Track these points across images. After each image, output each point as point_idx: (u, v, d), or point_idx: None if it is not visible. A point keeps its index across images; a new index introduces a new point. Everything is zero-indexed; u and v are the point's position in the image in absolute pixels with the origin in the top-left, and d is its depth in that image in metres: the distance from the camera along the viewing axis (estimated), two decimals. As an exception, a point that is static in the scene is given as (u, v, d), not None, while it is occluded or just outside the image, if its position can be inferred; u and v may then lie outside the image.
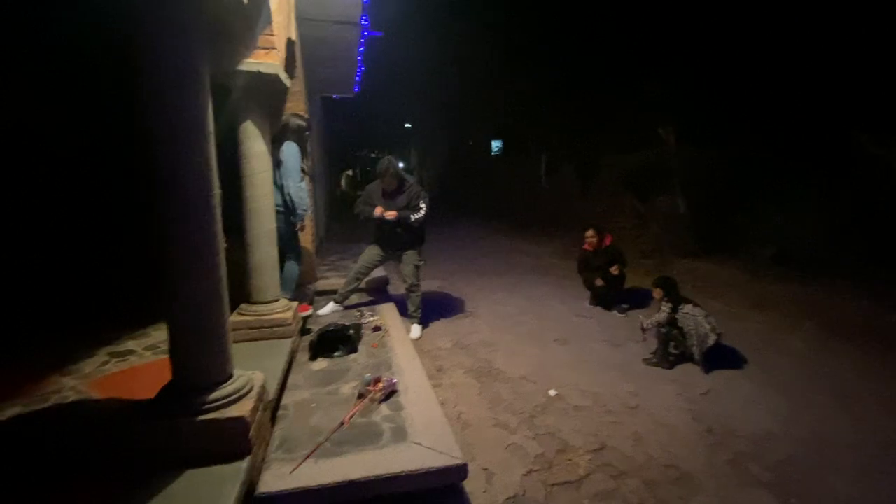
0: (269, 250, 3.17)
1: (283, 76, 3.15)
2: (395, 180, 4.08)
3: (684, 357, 3.74)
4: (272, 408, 2.30)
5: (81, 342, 3.12)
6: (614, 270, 5.11)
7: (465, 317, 5.02)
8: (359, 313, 4.12)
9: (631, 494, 2.30)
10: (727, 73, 8.72)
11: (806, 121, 7.54)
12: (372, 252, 4.27)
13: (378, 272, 4.86)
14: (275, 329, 3.09)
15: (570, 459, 2.56)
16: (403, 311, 4.39)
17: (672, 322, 3.74)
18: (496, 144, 17.71)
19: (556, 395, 3.27)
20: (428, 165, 23.94)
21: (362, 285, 4.56)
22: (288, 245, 3.64)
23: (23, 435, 2.10)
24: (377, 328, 3.74)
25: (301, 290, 4.24)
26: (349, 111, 16.50)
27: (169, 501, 1.57)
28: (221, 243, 1.86)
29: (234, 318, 3.01)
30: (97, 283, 3.76)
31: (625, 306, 5.17)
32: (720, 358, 3.71)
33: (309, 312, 3.88)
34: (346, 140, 21.86)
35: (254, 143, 3.05)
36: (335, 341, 3.23)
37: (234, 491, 1.61)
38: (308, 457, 1.98)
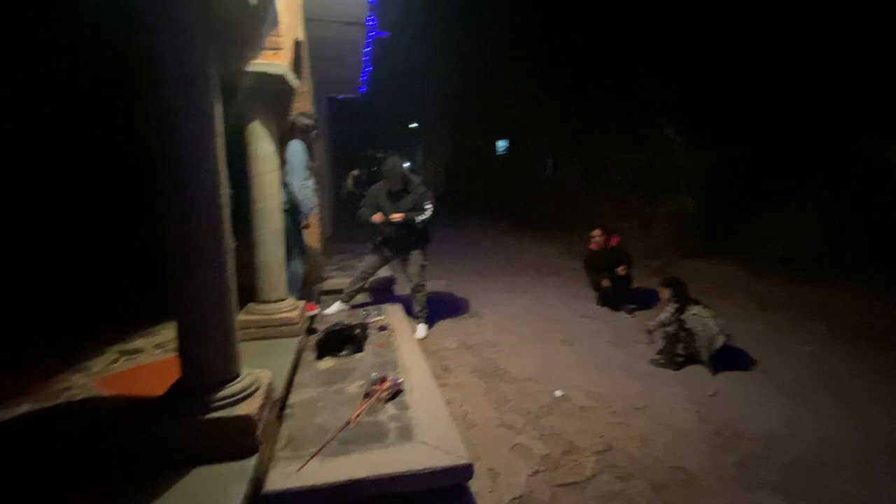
0: (276, 250, 3.18)
1: (291, 77, 3.16)
2: (400, 181, 4.09)
3: (692, 358, 3.72)
4: (279, 406, 2.31)
5: (91, 340, 3.16)
6: (621, 271, 5.09)
7: (471, 317, 5.02)
8: (365, 313, 4.13)
9: (637, 496, 2.29)
10: (731, 72, 8.65)
11: (809, 121, 7.47)
12: (378, 252, 4.28)
13: (384, 272, 4.87)
14: (282, 328, 3.11)
15: (576, 460, 2.56)
16: (409, 311, 4.40)
17: (680, 323, 3.72)
18: (502, 144, 17.67)
19: (562, 395, 3.26)
20: (433, 165, 23.94)
21: (367, 285, 4.57)
22: (292, 244, 3.66)
23: (32, 433, 2.12)
24: (383, 328, 3.75)
25: (308, 290, 4.25)
26: (355, 111, 16.53)
27: (177, 499, 1.59)
28: (229, 243, 1.87)
29: (241, 317, 3.03)
30: (98, 283, 3.79)
31: (631, 307, 5.15)
32: (727, 359, 3.69)
33: (315, 312, 3.90)
34: (351, 140, 21.92)
35: (261, 143, 3.07)
36: (341, 340, 3.24)
37: (241, 489, 1.62)
38: (315, 455, 1.99)
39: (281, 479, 1.85)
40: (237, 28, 2.23)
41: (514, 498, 2.26)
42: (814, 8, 7.66)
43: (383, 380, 2.60)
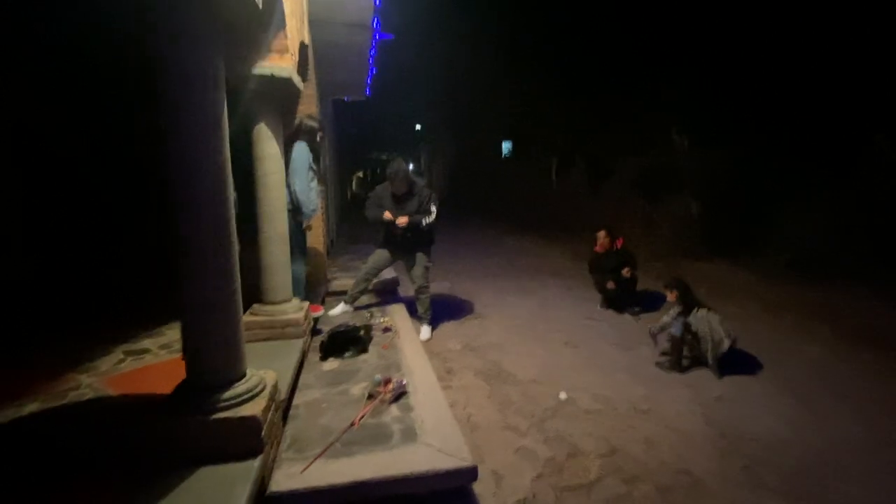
0: (281, 251, 3.20)
1: (296, 79, 3.18)
2: (405, 184, 4.09)
3: (697, 361, 3.70)
4: (283, 407, 2.32)
5: (97, 341, 3.18)
6: (626, 273, 5.07)
7: (475, 318, 5.01)
8: (369, 314, 4.14)
9: (643, 499, 2.28)
10: (736, 72, 8.61)
11: (818, 122, 7.41)
12: (381, 253, 4.29)
13: (388, 273, 4.88)
14: (286, 329, 3.12)
15: (580, 463, 2.54)
16: (413, 313, 4.40)
17: (686, 326, 3.69)
18: (506, 146, 17.68)
19: (567, 398, 3.25)
20: (437, 167, 23.98)
21: (372, 286, 4.58)
22: (294, 245, 3.67)
23: (37, 432, 2.14)
24: (387, 329, 3.76)
25: (312, 291, 4.27)
26: (360, 113, 16.62)
27: (182, 499, 1.59)
28: (235, 244, 1.88)
29: (246, 317, 3.04)
30: (98, 283, 3.81)
31: (636, 309, 5.13)
32: (734, 363, 3.66)
33: (320, 313, 3.91)
34: (356, 142, 22.01)
35: (267, 145, 3.09)
36: (346, 342, 3.25)
37: (245, 490, 1.62)
38: (319, 457, 1.99)
39: (285, 480, 1.85)
40: (244, 31, 2.25)
41: (518, 501, 2.25)
42: (819, 6, 7.62)
43: (387, 381, 2.60)
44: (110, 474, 1.76)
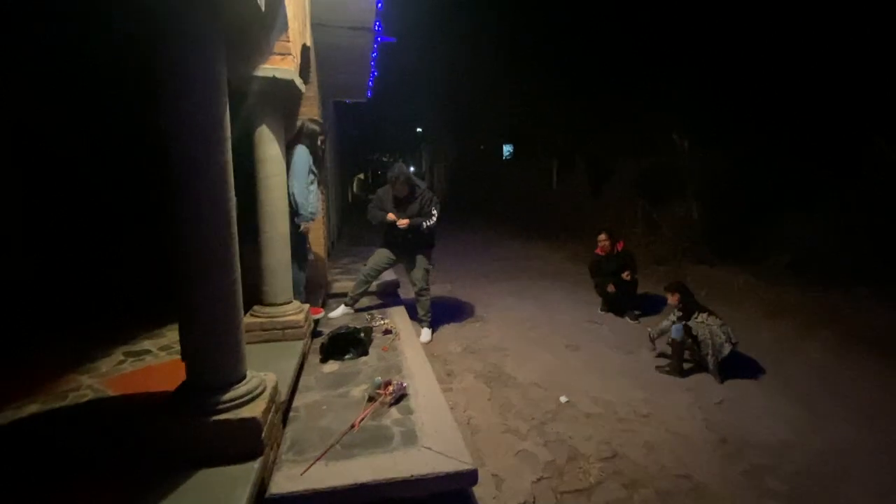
0: (282, 253, 3.20)
1: (298, 81, 3.19)
2: (406, 187, 4.10)
3: (699, 366, 3.69)
4: (284, 409, 2.32)
5: (97, 341, 3.18)
6: (626, 276, 5.07)
7: (476, 321, 5.01)
8: (369, 316, 4.14)
9: (643, 504, 2.27)
10: (737, 74, 8.63)
11: (818, 122, 7.42)
12: (381, 255, 4.29)
13: (388, 275, 4.88)
14: (287, 331, 3.12)
15: (580, 467, 2.54)
16: (413, 315, 4.40)
17: (687, 330, 3.69)
18: (507, 149, 17.71)
19: (567, 401, 3.24)
20: (438, 168, 24.01)
21: (373, 288, 4.58)
22: (294, 248, 3.67)
23: (37, 433, 2.13)
24: (388, 331, 3.75)
25: (312, 293, 4.26)
26: (361, 115, 16.64)
27: (181, 500, 1.59)
28: (236, 245, 1.88)
29: (246, 319, 3.04)
30: (98, 283, 3.81)
31: (636, 312, 5.12)
32: (735, 367, 3.65)
33: (320, 315, 3.91)
34: (357, 144, 22.05)
35: (268, 147, 3.09)
36: (346, 344, 3.24)
37: (245, 492, 1.62)
38: (319, 459, 1.99)
39: (285, 482, 1.85)
40: (247, 33, 2.26)
41: (519, 504, 2.25)
42: (819, 7, 7.64)
43: (388, 384, 2.60)
44: (110, 475, 1.75)
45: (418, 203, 4.11)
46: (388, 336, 3.67)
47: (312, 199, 3.62)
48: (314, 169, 3.66)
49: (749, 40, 8.58)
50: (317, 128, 3.74)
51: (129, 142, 3.91)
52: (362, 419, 2.33)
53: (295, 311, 3.23)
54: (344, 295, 4.44)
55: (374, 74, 6.64)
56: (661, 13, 10.11)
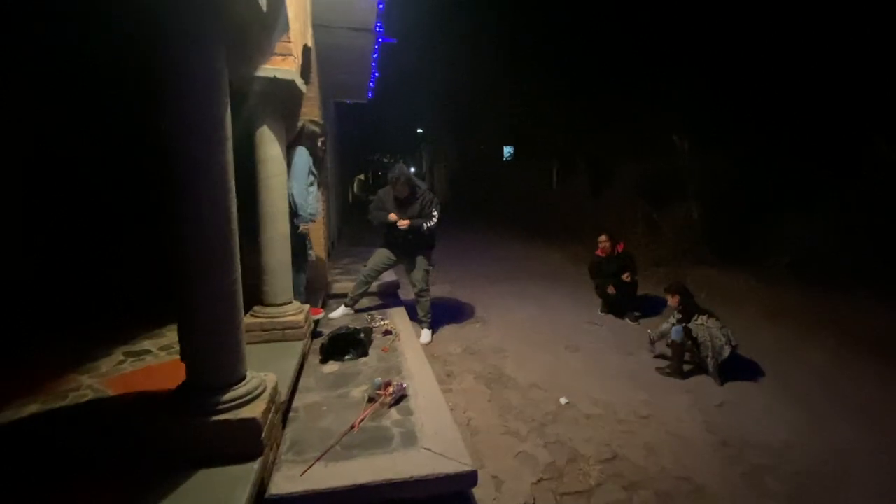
0: (282, 253, 3.20)
1: (299, 82, 3.19)
2: (407, 188, 4.10)
3: (699, 368, 3.68)
4: (283, 410, 2.32)
5: (97, 341, 3.18)
6: (626, 277, 5.07)
7: (476, 322, 5.01)
8: (369, 317, 4.14)
9: (643, 506, 2.27)
10: (738, 74, 8.63)
11: (819, 123, 7.42)
12: (381, 255, 4.29)
13: (389, 276, 4.88)
14: (287, 331, 3.12)
15: (580, 469, 2.53)
16: (413, 316, 4.40)
17: (686, 332, 3.69)
18: (507, 150, 17.72)
19: (567, 403, 3.24)
20: (439, 169, 24.02)
21: (373, 289, 4.58)
22: (294, 248, 3.66)
23: (36, 433, 2.13)
24: (388, 332, 3.75)
25: (312, 294, 4.26)
26: (361, 116, 16.65)
27: (181, 501, 1.59)
28: (237, 245, 1.88)
29: (246, 319, 3.03)
30: (98, 283, 3.80)
31: (637, 314, 5.12)
32: (735, 369, 3.65)
33: (321, 315, 3.90)
34: (358, 144, 22.06)
35: (269, 147, 3.09)
36: (346, 345, 3.24)
37: (245, 492, 1.61)
38: (318, 460, 1.98)
39: (284, 483, 1.85)
40: (248, 33, 2.26)
41: (518, 505, 2.24)
42: (819, 7, 7.64)
43: (388, 385, 2.60)
44: (110, 475, 1.75)
45: (419, 204, 4.11)
46: (388, 337, 3.67)
47: (312, 200, 3.62)
48: (314, 170, 3.66)
49: (749, 40, 8.58)
50: (317, 129, 3.74)
51: (129, 142, 3.91)
52: (362, 420, 2.33)
53: (295, 312, 3.23)
54: (344, 296, 4.44)
55: (374, 75, 6.64)
56: (661, 13, 10.11)
